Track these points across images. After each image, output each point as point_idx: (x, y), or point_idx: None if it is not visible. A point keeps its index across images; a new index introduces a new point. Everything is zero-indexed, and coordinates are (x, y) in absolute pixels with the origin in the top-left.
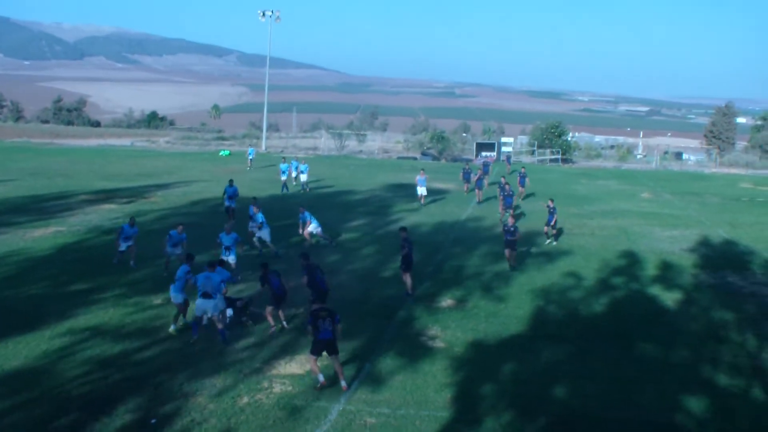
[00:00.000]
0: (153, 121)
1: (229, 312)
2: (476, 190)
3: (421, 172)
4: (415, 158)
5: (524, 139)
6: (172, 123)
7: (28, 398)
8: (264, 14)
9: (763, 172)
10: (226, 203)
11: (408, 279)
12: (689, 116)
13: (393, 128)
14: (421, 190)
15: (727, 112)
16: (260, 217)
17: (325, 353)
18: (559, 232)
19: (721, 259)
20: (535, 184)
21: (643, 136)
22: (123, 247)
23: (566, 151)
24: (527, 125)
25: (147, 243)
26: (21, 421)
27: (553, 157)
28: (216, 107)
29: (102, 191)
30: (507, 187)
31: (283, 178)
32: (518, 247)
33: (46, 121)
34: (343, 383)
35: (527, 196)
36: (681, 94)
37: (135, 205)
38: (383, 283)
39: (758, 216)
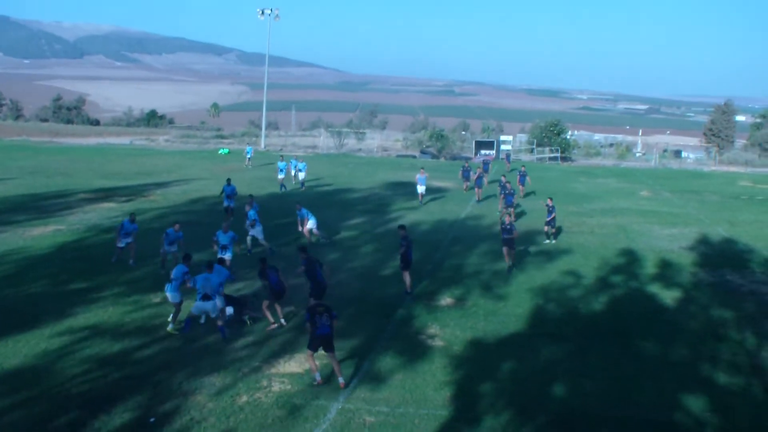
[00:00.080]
0: (152, 119)
1: (230, 310)
2: (476, 189)
3: (421, 170)
4: (414, 156)
5: (523, 137)
6: (171, 121)
7: (27, 397)
8: (263, 13)
9: (763, 170)
10: (225, 203)
11: (407, 277)
12: (688, 114)
13: (392, 126)
14: (421, 189)
15: (726, 110)
16: (252, 214)
17: (321, 350)
18: (558, 231)
19: (720, 257)
20: (534, 183)
21: (642, 135)
22: (122, 243)
23: (565, 150)
24: (526, 123)
25: (146, 241)
26: (20, 420)
27: (552, 155)
28: (215, 106)
29: (101, 190)
30: (508, 185)
31: (281, 176)
32: (517, 246)
33: (46, 120)
34: (341, 380)
35: (527, 194)
36: (680, 92)
37: (134, 203)
38: (382, 281)
39: (757, 214)
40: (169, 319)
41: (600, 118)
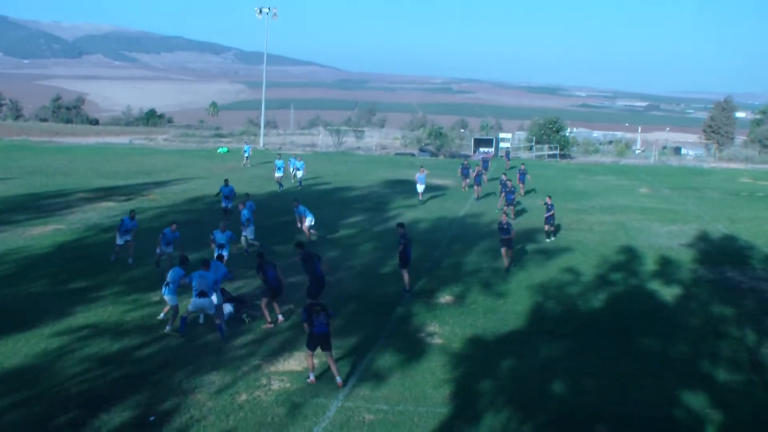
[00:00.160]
0: (151, 118)
1: (229, 308)
2: (475, 186)
3: (421, 169)
4: (413, 154)
5: (522, 134)
6: (170, 120)
7: (27, 396)
8: (261, 11)
9: (763, 166)
10: (223, 203)
11: (406, 275)
12: (688, 111)
13: (391, 124)
14: (421, 188)
15: (726, 107)
16: (245, 213)
17: (319, 349)
18: (558, 228)
19: (720, 254)
20: (533, 180)
21: (642, 131)
22: (121, 241)
23: (564, 147)
24: (525, 121)
25: (145, 240)
26: (20, 419)
27: (551, 152)
28: (214, 104)
29: (100, 189)
30: (509, 183)
31: (279, 174)
32: (517, 244)
33: (45, 120)
34: (338, 379)
35: (528, 192)
36: (679, 88)
37: (133, 202)
38: (381, 279)
39: (757, 211)
40: (160, 316)
41: (599, 115)
